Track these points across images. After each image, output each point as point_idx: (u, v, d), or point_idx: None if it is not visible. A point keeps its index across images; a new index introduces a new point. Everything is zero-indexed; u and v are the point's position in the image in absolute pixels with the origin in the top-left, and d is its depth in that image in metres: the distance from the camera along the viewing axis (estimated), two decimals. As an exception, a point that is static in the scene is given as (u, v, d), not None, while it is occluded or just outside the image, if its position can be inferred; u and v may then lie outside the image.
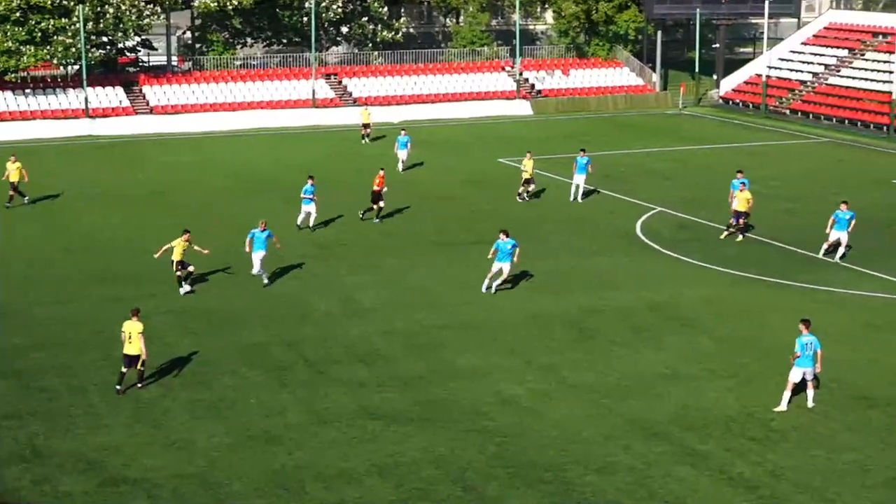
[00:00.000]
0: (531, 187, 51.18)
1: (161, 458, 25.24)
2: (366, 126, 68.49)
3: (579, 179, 50.55)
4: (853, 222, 40.47)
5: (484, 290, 36.89)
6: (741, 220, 44.24)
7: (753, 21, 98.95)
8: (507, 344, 32.62)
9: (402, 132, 59.03)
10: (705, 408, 27.97)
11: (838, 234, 40.33)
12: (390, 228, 46.13)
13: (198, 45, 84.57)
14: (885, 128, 72.07)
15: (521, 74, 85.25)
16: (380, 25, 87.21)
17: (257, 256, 37.72)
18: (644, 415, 27.53)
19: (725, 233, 44.53)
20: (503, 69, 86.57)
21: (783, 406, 27.83)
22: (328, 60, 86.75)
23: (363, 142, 67.98)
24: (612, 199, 52.18)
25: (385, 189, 47.13)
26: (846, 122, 75.54)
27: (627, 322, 34.54)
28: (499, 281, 37.00)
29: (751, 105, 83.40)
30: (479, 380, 29.81)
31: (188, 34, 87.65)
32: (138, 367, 28.67)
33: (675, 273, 39.98)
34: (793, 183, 55.98)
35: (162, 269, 38.16)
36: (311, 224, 44.56)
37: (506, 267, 36.73)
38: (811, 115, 78.24)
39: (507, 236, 36.79)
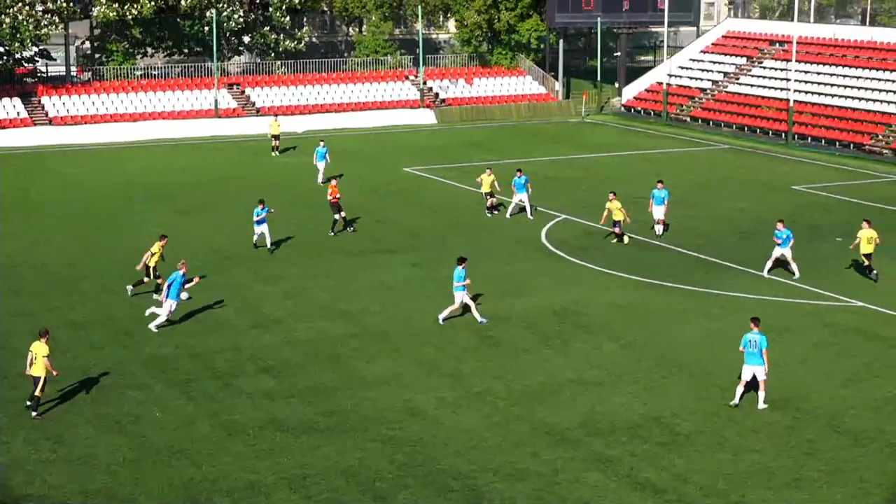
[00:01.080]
0: (493, 200, 50.76)
1: (64, 475, 24.82)
2: (276, 137, 67.99)
3: (521, 198, 49.89)
4: (791, 241, 40.36)
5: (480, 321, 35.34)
6: (617, 228, 44.85)
7: (654, 29, 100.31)
8: (413, 352, 32.60)
9: (321, 143, 58.62)
10: (612, 413, 28.20)
11: (781, 251, 40.13)
12: (295, 238, 45.88)
13: (97, 56, 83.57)
14: (783, 134, 73.33)
15: (424, 83, 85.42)
16: (282, 35, 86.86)
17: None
18: (552, 421, 27.67)
19: (615, 240, 45.15)
20: (407, 78, 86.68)
21: (736, 400, 28.51)
22: (230, 70, 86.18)
23: (274, 154, 67.36)
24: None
25: (339, 197, 47.09)
26: (745, 128, 76.77)
27: (533, 329, 34.71)
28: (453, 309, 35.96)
29: (652, 113, 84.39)
30: (387, 389, 29.76)
31: (87, 44, 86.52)
32: (36, 391, 27.85)
33: (580, 279, 40.28)
34: (694, 189, 56.69)
35: (63, 280, 37.58)
36: (267, 244, 43.26)
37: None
38: (711, 123, 79.38)
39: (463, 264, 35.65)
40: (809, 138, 72.22)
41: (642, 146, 71.54)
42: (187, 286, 35.19)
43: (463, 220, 49.72)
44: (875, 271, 40.09)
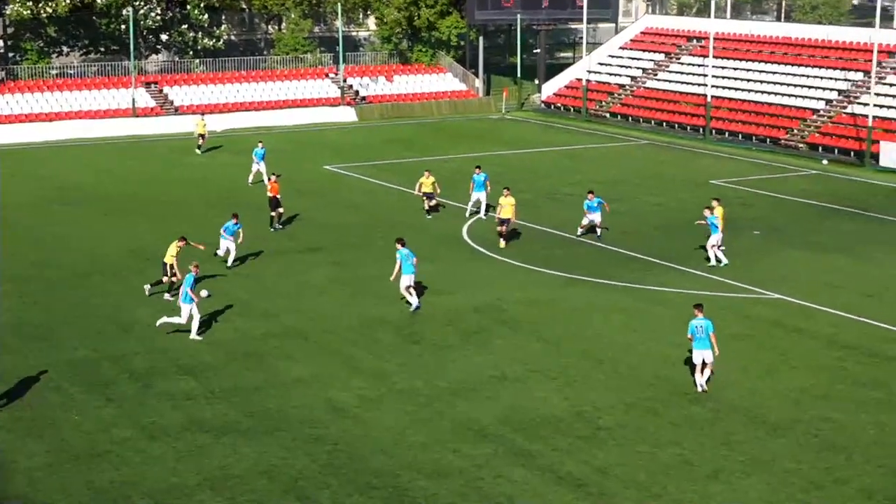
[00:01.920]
0: (433, 202, 50.58)
1: (-19, 481, 24.49)
2: (201, 136, 67.41)
3: (479, 196, 49.72)
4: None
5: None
6: (504, 227, 44.02)
7: (573, 26, 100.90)
8: (335, 351, 32.56)
9: (259, 144, 58.01)
10: (534, 408, 28.36)
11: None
12: (213, 238, 45.56)
13: (11, 55, 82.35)
14: (701, 129, 74.15)
15: (344, 81, 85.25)
16: (200, 33, 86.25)
17: None
18: (474, 417, 27.77)
19: (502, 242, 44.39)
20: (327, 76, 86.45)
21: (698, 388, 29.21)
22: (148, 69, 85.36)
23: (197, 152, 66.86)
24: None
25: (279, 195, 47.00)
26: (664, 124, 77.52)
27: (455, 325, 34.81)
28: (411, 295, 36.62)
29: (572, 109, 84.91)
30: (309, 388, 29.69)
31: (0, 43, 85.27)
32: None
33: (502, 276, 40.44)
34: (614, 185, 57.14)
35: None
36: (228, 261, 41.26)
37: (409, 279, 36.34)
38: (630, 118, 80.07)
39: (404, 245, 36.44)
40: (727, 133, 73.09)
41: (562, 142, 71.95)
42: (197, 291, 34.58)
43: (385, 217, 49.69)
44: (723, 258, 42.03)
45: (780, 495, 23.84)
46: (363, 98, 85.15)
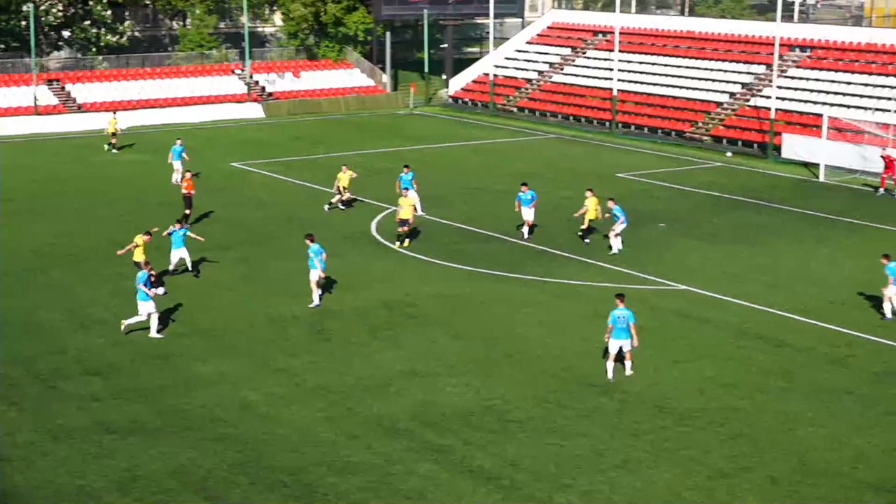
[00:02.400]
0: (346, 196, 50.34)
1: None
2: (113, 135, 66.41)
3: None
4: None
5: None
6: (405, 227, 43.42)
7: (479, 21, 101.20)
8: (244, 349, 32.34)
9: (178, 141, 57.33)
10: (444, 403, 28.41)
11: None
12: (120, 237, 45.04)
13: None
14: (607, 123, 74.75)
15: (251, 77, 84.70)
16: (103, 29, 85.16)
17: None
18: (384, 413, 27.76)
19: (397, 244, 43.72)
20: (233, 72, 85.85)
21: (609, 375, 29.69)
22: (50, 66, 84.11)
23: (112, 151, 65.81)
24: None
25: (193, 193, 46.61)
26: (571, 118, 78.06)
27: (364, 322, 34.76)
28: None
29: (480, 104, 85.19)
30: (218, 387, 29.46)
31: None
32: None
33: (411, 271, 40.45)
34: (522, 178, 57.32)
35: None
36: (188, 265, 39.75)
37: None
38: (538, 113, 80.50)
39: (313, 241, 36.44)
40: (633, 126, 73.80)
41: (470, 137, 72.16)
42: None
43: (293, 214, 49.47)
44: (587, 241, 43.71)
45: (686, 483, 24.13)
46: (270, 94, 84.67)
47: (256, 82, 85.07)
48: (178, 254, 39.28)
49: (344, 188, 49.77)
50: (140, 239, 37.38)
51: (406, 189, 45.46)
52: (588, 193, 44.37)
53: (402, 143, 69.06)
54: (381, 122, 79.28)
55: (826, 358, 31.76)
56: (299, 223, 47.19)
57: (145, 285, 33.00)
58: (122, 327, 33.36)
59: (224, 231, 46.27)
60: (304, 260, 36.37)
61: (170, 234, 39.24)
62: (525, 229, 45.04)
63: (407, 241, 43.65)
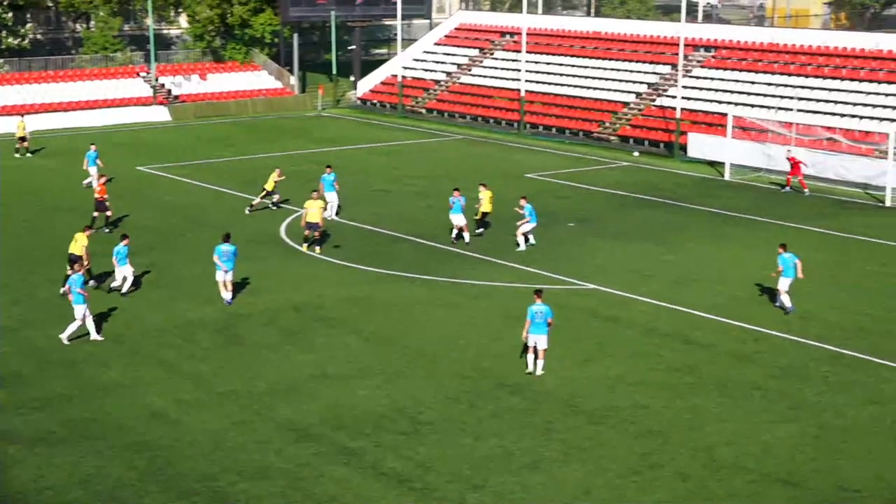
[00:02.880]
0: (275, 198, 50.16)
1: None
2: (22, 139, 65.19)
3: (330, 197, 49.05)
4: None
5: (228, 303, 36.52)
6: (316, 232, 42.99)
7: (387, 23, 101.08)
8: (152, 355, 31.96)
9: (92, 147, 56.31)
10: (356, 406, 28.31)
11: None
12: (17, 242, 44.36)
13: None
14: (515, 124, 75.06)
15: (157, 80, 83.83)
16: (4, 32, 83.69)
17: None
18: (295, 417, 27.60)
19: (305, 245, 43.44)
20: (138, 75, 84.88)
21: (530, 367, 30.14)
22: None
23: (25, 155, 64.59)
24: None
25: (106, 197, 46.01)
26: (479, 119, 78.28)
27: (274, 325, 34.54)
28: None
29: (388, 105, 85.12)
30: (125, 394, 29.08)
31: None
32: None
33: (321, 274, 40.28)
34: (431, 180, 57.52)
35: None
36: (124, 287, 37.92)
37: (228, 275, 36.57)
38: (446, 114, 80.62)
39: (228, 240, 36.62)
40: (541, 127, 74.19)
41: (379, 139, 72.06)
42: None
43: (201, 218, 49.04)
44: (481, 230, 44.58)
45: (597, 481, 24.29)
46: (176, 97, 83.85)
47: (162, 85, 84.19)
48: (123, 272, 37.72)
49: (269, 190, 49.83)
50: (82, 236, 36.80)
51: (315, 192, 45.19)
52: (481, 188, 45.24)
53: (311, 146, 68.78)
54: (290, 124, 78.87)
55: (732, 354, 32.16)
56: (208, 227, 46.77)
57: (82, 288, 32.61)
58: (66, 341, 32.74)
59: (131, 236, 45.57)
60: (209, 263, 36.06)
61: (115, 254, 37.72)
62: (461, 232, 44.44)
63: (317, 247, 43.36)
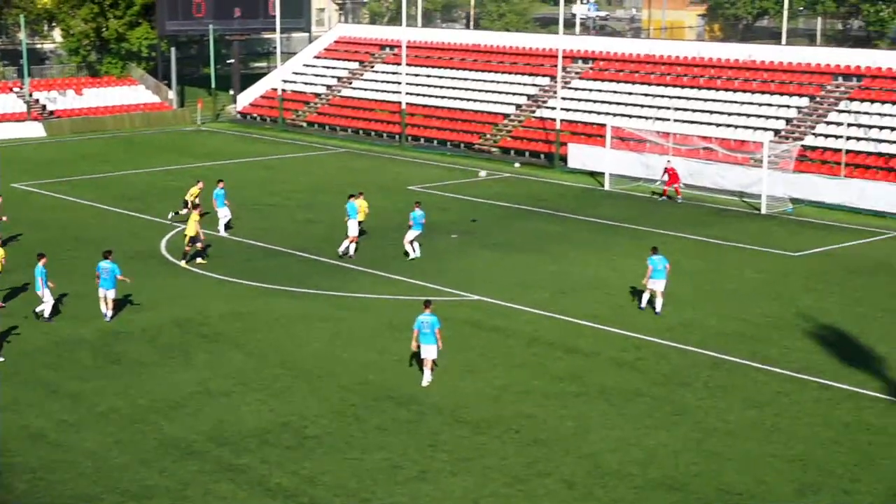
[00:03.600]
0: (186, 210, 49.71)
1: None
2: None
3: (223, 212, 48.35)
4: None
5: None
6: (199, 244, 42.90)
7: (266, 36, 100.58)
8: (30, 375, 31.33)
9: None
10: (240, 422, 28.07)
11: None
12: None
13: None
14: (396, 136, 75.17)
15: (30, 95, 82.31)
16: None
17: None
18: (179, 435, 27.26)
19: (183, 262, 43.20)
20: (11, 90, 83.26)
21: (426, 380, 30.48)
22: None
23: None
24: (133, 218, 51.42)
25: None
26: (361, 132, 78.25)
27: (156, 342, 34.11)
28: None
29: (269, 119, 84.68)
30: (4, 416, 28.42)
31: None
32: None
33: (202, 289, 39.89)
34: (312, 193, 57.35)
35: None
36: (45, 313, 36.33)
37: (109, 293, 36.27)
38: (327, 127, 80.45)
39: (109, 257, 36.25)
40: (422, 139, 74.40)
41: (260, 153, 71.62)
42: None
43: (79, 235, 48.25)
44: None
45: (484, 491, 24.39)
46: (51, 113, 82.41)
47: (37, 100, 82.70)
48: (46, 294, 36.32)
49: (190, 202, 49.31)
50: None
51: (195, 206, 44.78)
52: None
53: (191, 160, 68.10)
54: (169, 139, 78.02)
55: (615, 361, 32.56)
56: (88, 243, 46.04)
57: None
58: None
59: (5, 254, 44.70)
60: (90, 281, 35.49)
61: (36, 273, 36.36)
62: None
63: (199, 259, 43.03)
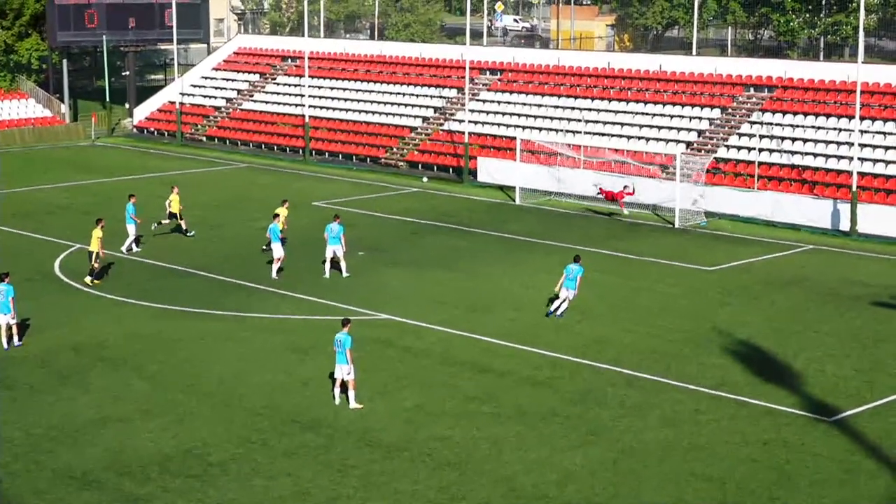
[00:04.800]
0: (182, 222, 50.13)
1: None
2: None
3: (131, 230, 47.79)
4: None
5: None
6: (96, 263, 42.54)
7: (163, 47, 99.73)
8: (-83, 404, 30.72)
9: None
10: (141, 449, 27.70)
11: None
12: None
13: None
14: (300, 151, 74.89)
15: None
16: None
17: None
18: (76, 464, 26.83)
19: (88, 278, 42.74)
20: None
21: (338, 401, 30.30)
22: None
23: None
24: (25, 238, 50.63)
25: None
26: (263, 146, 77.82)
27: (51, 367, 33.57)
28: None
29: (166, 133, 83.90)
30: None
31: None
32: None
33: (99, 311, 39.36)
34: (214, 210, 56.90)
35: None
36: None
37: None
38: (228, 142, 79.89)
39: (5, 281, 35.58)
40: (327, 154, 74.18)
41: (158, 168, 70.92)
42: None
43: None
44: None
45: (398, 517, 24.33)
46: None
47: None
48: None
49: (178, 212, 49.39)
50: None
51: (99, 220, 44.21)
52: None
53: (86, 176, 67.23)
54: (62, 154, 76.93)
55: (529, 380, 32.66)
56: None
57: None
58: None
59: None
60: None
61: None
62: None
63: (96, 280, 42.54)
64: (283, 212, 46.51)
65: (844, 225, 52.47)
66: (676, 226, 53.99)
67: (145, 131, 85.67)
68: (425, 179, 66.23)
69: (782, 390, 31.80)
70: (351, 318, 32.23)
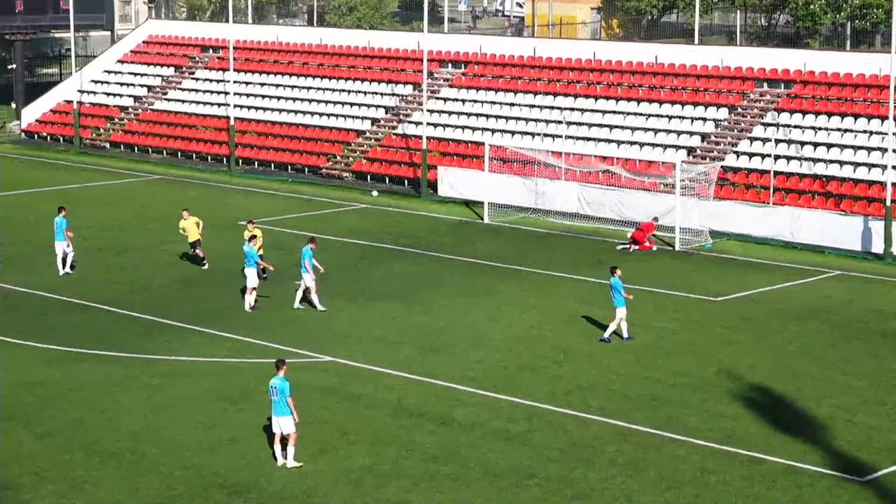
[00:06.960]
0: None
1: None
2: None
3: (59, 248, 48.12)
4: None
5: None
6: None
7: (57, 35, 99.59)
8: None
9: None
10: (33, 520, 27.75)
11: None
12: None
13: None
14: (225, 160, 74.79)
15: None
16: None
17: None
18: (-45, 539, 26.81)
19: None
20: None
21: (280, 461, 30.25)
22: None
23: None
24: None
25: None
26: (179, 154, 77.70)
27: (-76, 423, 33.51)
28: None
29: (62, 139, 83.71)
30: None
31: None
32: None
33: (-17, 355, 39.36)
34: (120, 231, 56.84)
35: None
36: None
37: None
38: (137, 149, 79.74)
39: None
40: (257, 163, 74.21)
41: (51, 181, 70.74)
42: None
43: None
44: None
45: None
46: None
47: None
48: None
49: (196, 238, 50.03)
50: None
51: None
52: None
53: (-36, 192, 67.10)
54: (-66, 164, 76.74)
55: (501, 435, 32.76)
56: None
57: None
58: None
59: None
60: None
61: None
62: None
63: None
64: (258, 232, 46.41)
65: (877, 246, 52.83)
66: (677, 248, 54.27)
67: (36, 136, 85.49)
68: (375, 194, 66.38)
69: (803, 444, 32.03)
70: (287, 359, 32.24)
